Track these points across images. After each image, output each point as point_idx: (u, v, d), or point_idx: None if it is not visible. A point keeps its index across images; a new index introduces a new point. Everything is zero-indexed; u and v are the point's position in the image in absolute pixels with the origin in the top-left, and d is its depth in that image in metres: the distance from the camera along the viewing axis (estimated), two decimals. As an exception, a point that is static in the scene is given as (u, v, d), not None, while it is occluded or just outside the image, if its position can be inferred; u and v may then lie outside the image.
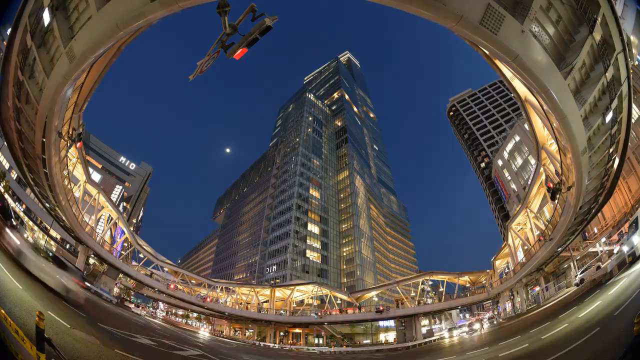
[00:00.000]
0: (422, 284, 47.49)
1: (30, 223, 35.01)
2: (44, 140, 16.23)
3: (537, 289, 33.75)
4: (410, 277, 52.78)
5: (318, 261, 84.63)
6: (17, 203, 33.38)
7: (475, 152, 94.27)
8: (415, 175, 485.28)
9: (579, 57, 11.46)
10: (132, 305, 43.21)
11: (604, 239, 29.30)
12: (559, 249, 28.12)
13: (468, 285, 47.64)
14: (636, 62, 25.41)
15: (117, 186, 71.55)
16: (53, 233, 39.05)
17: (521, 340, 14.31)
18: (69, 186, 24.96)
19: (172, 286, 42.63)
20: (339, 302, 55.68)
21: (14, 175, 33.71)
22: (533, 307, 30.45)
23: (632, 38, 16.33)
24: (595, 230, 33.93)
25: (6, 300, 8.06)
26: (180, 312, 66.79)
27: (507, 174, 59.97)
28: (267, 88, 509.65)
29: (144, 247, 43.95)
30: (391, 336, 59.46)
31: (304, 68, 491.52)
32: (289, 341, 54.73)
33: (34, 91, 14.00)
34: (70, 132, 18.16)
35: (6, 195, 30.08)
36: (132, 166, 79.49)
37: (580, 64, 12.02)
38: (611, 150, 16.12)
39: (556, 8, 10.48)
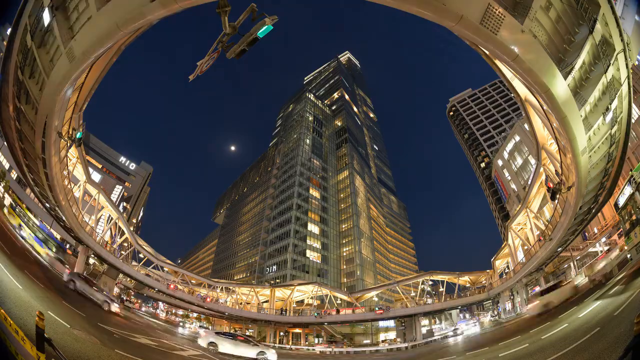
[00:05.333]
0: (422, 284, 47.48)
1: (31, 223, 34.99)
2: (44, 140, 16.23)
3: (537, 289, 33.74)
4: (410, 277, 52.79)
5: (318, 261, 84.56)
6: (17, 203, 33.36)
7: (476, 152, 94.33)
8: (415, 176, 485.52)
9: (579, 57, 11.44)
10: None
11: (604, 239, 29.31)
12: (559, 249, 28.13)
13: (468, 285, 47.67)
14: (636, 62, 25.42)
15: (117, 186, 71.61)
16: (53, 233, 39.05)
17: (521, 340, 14.31)
18: (69, 186, 24.94)
19: (172, 286, 42.63)
20: (339, 302, 55.65)
21: (14, 175, 33.73)
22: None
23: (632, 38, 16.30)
24: (595, 230, 33.92)
25: (6, 300, 8.07)
26: (180, 312, 66.78)
27: (507, 174, 60.00)
28: (267, 88, 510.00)
29: (144, 247, 43.92)
30: (391, 336, 59.47)
31: (304, 68, 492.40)
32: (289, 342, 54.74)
33: (34, 91, 14.00)
34: (70, 132, 18.15)
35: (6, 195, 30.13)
36: (132, 166, 79.49)
37: (580, 64, 12.00)
38: (611, 150, 16.11)
39: (556, 8, 10.47)
